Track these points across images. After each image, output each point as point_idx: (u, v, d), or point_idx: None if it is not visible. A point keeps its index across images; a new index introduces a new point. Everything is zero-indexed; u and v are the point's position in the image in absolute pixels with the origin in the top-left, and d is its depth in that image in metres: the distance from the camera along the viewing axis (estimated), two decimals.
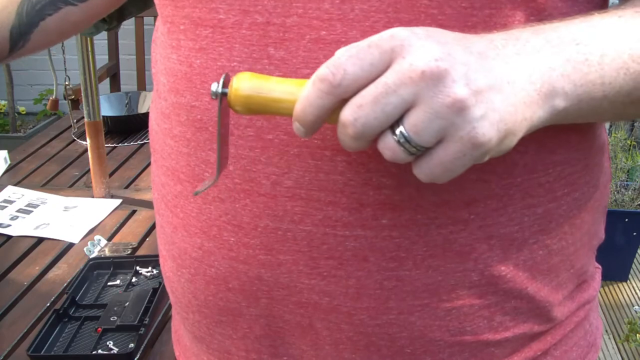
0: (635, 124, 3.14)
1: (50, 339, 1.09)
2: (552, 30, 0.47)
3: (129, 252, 1.36)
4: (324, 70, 0.43)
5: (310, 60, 0.50)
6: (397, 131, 0.42)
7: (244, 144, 0.53)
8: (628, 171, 2.78)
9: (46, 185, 1.70)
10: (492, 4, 0.49)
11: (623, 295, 2.64)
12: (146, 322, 1.10)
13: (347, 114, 0.43)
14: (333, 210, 0.52)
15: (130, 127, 2.03)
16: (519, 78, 0.44)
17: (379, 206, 0.51)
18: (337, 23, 0.49)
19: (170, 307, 1.19)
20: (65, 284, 1.25)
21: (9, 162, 1.81)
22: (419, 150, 0.43)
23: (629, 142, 2.89)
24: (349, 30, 0.49)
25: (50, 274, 1.30)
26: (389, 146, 0.43)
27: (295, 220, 0.53)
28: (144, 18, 3.19)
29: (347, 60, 0.42)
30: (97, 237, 1.38)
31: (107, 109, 2.06)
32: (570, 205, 0.57)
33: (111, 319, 1.13)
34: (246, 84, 0.46)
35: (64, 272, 1.30)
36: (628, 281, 2.72)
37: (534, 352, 0.61)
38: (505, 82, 0.43)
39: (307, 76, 0.48)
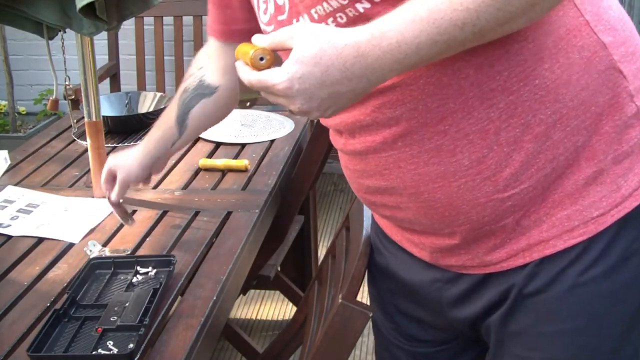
0: None
1: (51, 339, 1.09)
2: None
3: (128, 252, 1.36)
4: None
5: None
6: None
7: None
8: None
9: (46, 185, 1.70)
10: None
11: None
12: (146, 322, 1.10)
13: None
14: (374, 145, 0.88)
15: (130, 127, 2.02)
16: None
17: (392, 136, 0.86)
18: None
19: (170, 307, 1.19)
20: (66, 284, 1.25)
21: (9, 162, 1.81)
22: None
23: None
24: None
25: (50, 274, 1.30)
26: None
27: (363, 155, 0.91)
28: (144, 18, 3.19)
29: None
30: (91, 241, 1.38)
31: (107, 109, 2.06)
32: (535, 89, 0.80)
33: (111, 319, 1.13)
34: None
35: (64, 272, 1.30)
36: None
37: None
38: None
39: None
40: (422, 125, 0.83)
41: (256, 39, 0.78)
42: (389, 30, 0.73)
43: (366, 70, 0.74)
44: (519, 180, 0.83)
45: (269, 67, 0.76)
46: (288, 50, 0.75)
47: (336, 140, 0.97)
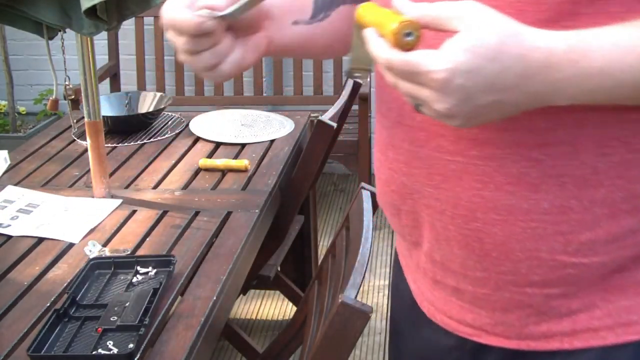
0: None
1: (51, 339, 1.09)
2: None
3: (128, 252, 1.36)
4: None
5: None
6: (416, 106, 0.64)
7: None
8: None
9: (46, 185, 1.70)
10: None
11: None
12: (146, 322, 1.10)
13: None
14: (442, 141, 0.70)
15: (130, 127, 2.03)
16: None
17: (470, 141, 0.68)
18: None
19: (170, 307, 1.19)
20: (66, 284, 1.25)
21: (9, 162, 1.81)
22: None
23: None
24: None
25: (50, 274, 1.30)
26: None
27: (421, 145, 0.72)
28: (144, 18, 3.19)
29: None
30: (91, 241, 1.38)
31: (107, 109, 2.06)
32: None
33: (111, 319, 1.13)
34: None
35: (64, 272, 1.30)
36: None
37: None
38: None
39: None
40: (515, 142, 0.67)
41: (402, 4, 0.60)
42: (594, 52, 0.58)
43: (547, 86, 0.59)
44: (594, 251, 0.68)
45: (413, 48, 0.58)
46: (447, 33, 0.58)
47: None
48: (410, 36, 0.58)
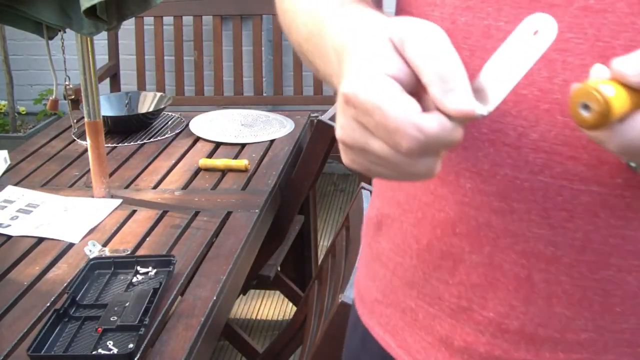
0: None
1: (51, 339, 1.09)
2: None
3: (128, 252, 1.36)
4: None
5: (575, 25, 0.53)
6: (635, 165, 0.50)
7: None
8: None
9: (46, 185, 1.70)
10: None
11: None
12: (146, 322, 1.10)
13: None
14: (573, 164, 0.54)
15: (130, 127, 2.03)
16: None
17: (617, 165, 0.54)
18: None
19: (170, 307, 1.19)
20: (66, 284, 1.25)
21: (9, 162, 1.81)
22: None
23: None
24: (616, 1, 0.52)
25: (50, 274, 1.30)
26: None
27: (534, 171, 0.56)
28: (144, 18, 3.19)
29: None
30: (91, 241, 1.38)
31: (107, 109, 2.06)
32: None
33: (111, 319, 1.13)
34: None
35: (64, 272, 1.30)
36: None
37: None
38: None
39: (568, 40, 0.53)
40: None
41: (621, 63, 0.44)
42: None
43: None
44: None
45: (596, 127, 0.44)
46: None
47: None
48: (587, 111, 0.42)
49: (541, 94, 0.54)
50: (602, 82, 0.42)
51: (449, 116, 0.44)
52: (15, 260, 1.35)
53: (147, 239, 1.42)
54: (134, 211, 1.54)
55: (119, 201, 1.57)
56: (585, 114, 0.43)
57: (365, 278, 0.75)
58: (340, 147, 0.49)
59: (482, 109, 0.45)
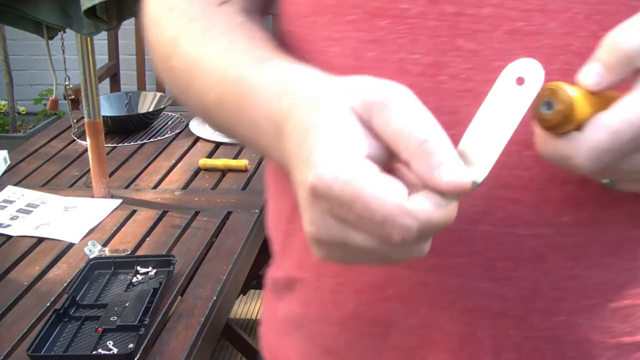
0: None
1: (51, 339, 1.09)
2: None
3: (128, 252, 1.36)
4: None
5: (504, 52, 0.47)
6: (609, 182, 0.45)
7: None
8: None
9: (46, 185, 1.70)
10: None
11: None
12: (146, 322, 1.10)
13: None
14: (515, 208, 0.49)
15: (130, 127, 2.02)
16: None
17: (562, 203, 0.49)
18: (535, 14, 0.47)
19: (170, 307, 1.19)
20: (66, 284, 1.25)
21: (9, 162, 1.81)
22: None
23: None
24: (548, 21, 0.47)
25: (50, 274, 1.30)
26: None
27: (472, 220, 0.50)
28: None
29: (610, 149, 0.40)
30: (91, 241, 1.38)
31: (107, 109, 2.06)
32: None
33: (111, 319, 1.12)
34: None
35: (64, 272, 1.30)
36: None
37: None
38: None
39: (498, 69, 0.43)
40: (622, 197, 0.50)
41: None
42: None
43: None
44: None
45: (558, 129, 0.42)
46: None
47: None
48: (550, 109, 0.41)
49: None
50: (566, 84, 0.41)
51: (442, 193, 0.38)
52: (15, 260, 1.35)
53: (147, 239, 1.42)
54: (134, 211, 1.54)
55: (119, 201, 1.57)
56: (547, 112, 0.41)
57: (276, 337, 0.68)
58: (311, 243, 0.42)
59: (477, 176, 0.40)
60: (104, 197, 1.59)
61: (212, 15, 0.56)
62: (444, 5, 0.48)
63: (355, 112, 0.40)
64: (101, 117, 1.57)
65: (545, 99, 0.41)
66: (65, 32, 1.56)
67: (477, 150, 0.41)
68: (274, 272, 0.66)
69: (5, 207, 1.56)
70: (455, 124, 0.45)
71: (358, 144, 0.39)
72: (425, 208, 0.38)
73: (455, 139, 0.45)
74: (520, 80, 0.40)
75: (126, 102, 2.17)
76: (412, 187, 0.39)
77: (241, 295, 2.21)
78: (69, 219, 1.50)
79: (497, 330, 0.53)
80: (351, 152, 0.39)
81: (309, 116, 0.41)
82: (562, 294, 0.51)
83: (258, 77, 0.48)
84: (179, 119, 2.12)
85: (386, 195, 0.38)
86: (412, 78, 0.49)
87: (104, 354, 1.06)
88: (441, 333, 0.53)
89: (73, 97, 1.75)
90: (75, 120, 2.01)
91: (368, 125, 0.40)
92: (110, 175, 1.69)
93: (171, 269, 1.25)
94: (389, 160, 0.40)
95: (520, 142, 0.47)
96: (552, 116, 0.40)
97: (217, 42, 0.54)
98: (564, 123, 0.40)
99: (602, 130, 0.40)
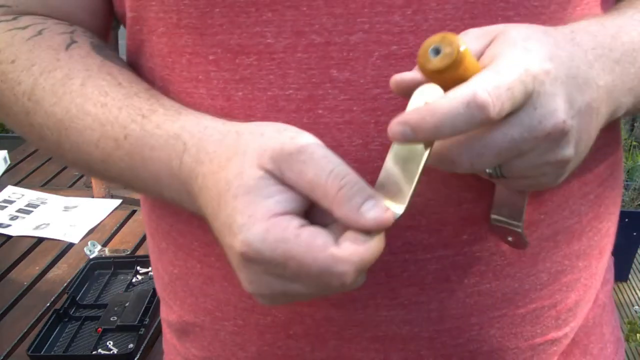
0: (635, 123, 3.15)
1: (51, 339, 1.09)
2: (624, 33, 0.47)
3: (128, 252, 1.36)
4: (485, 96, 0.37)
5: (381, 79, 0.45)
6: (495, 169, 0.42)
7: None
8: (628, 171, 2.79)
9: (46, 185, 1.70)
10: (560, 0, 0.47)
11: (623, 295, 2.64)
12: (146, 322, 1.10)
13: (466, 157, 0.40)
14: (412, 234, 0.48)
15: None
16: (603, 105, 0.44)
17: (460, 222, 0.49)
18: (409, 36, 0.45)
19: None
20: (66, 284, 1.25)
21: (9, 162, 1.81)
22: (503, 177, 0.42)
23: (629, 141, 2.89)
24: (423, 42, 0.42)
25: (50, 274, 1.30)
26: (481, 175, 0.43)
27: None
28: None
29: (505, 93, 0.37)
30: (91, 241, 1.38)
31: None
32: (611, 185, 0.57)
33: (111, 319, 1.12)
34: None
35: (64, 272, 1.30)
36: (628, 281, 2.72)
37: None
38: (595, 113, 0.43)
39: (377, 96, 0.44)
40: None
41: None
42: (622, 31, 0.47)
43: (611, 75, 0.45)
44: (575, 313, 0.59)
45: (446, 76, 0.39)
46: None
47: None
48: (437, 54, 0.39)
49: (359, 165, 0.45)
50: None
51: (367, 231, 0.39)
52: (15, 260, 1.35)
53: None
54: (134, 211, 1.54)
55: (119, 201, 1.57)
56: (434, 57, 0.38)
57: None
58: (254, 296, 0.43)
59: (397, 208, 0.40)
60: (104, 197, 1.59)
61: (65, 62, 0.51)
62: (311, 35, 0.45)
63: (265, 169, 0.40)
64: None
65: (434, 45, 0.38)
66: None
67: (395, 183, 0.41)
68: (167, 314, 0.62)
69: (5, 207, 1.56)
70: (340, 157, 0.43)
71: (276, 202, 0.39)
72: (355, 251, 0.39)
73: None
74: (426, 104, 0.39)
75: None
76: (333, 228, 0.40)
77: None
78: (69, 219, 1.50)
79: (409, 353, 0.52)
80: (271, 213, 0.39)
81: (218, 179, 0.41)
82: (471, 310, 0.51)
83: (147, 134, 0.46)
84: None
85: (316, 249, 0.38)
86: (287, 115, 0.46)
87: (104, 354, 1.06)
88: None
89: None
90: None
91: (281, 180, 0.40)
92: None
93: None
94: (308, 206, 0.40)
95: None
96: (439, 60, 0.38)
97: (84, 97, 0.49)
98: (449, 68, 0.38)
99: (491, 74, 0.39)
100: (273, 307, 0.52)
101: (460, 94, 0.37)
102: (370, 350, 0.52)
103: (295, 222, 0.39)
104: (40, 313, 1.18)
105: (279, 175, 0.40)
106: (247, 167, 0.40)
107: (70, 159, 0.52)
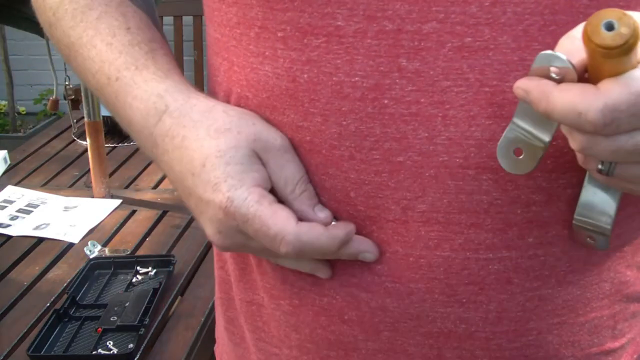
0: None
1: (50, 339, 1.09)
2: None
3: (128, 252, 1.36)
4: (598, 117, 0.36)
5: (451, 71, 0.44)
6: (609, 165, 0.41)
7: (367, 168, 0.47)
8: None
9: (46, 185, 1.70)
10: None
11: None
12: (146, 322, 1.10)
13: (604, 155, 0.40)
14: (475, 232, 0.48)
15: None
16: None
17: (526, 224, 0.48)
18: (485, 28, 0.43)
19: (170, 307, 1.19)
20: (66, 284, 1.25)
21: (9, 162, 1.81)
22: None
23: None
24: (498, 35, 0.43)
25: (50, 274, 1.30)
26: (588, 167, 0.43)
27: (430, 246, 0.48)
28: None
29: (627, 110, 0.36)
30: (91, 241, 1.38)
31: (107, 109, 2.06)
32: None
33: (111, 319, 1.12)
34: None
35: (64, 272, 1.30)
36: None
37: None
38: None
39: (446, 89, 0.44)
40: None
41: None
42: None
43: None
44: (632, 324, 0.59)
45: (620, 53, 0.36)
46: None
47: None
48: (610, 29, 0.35)
49: (422, 159, 0.46)
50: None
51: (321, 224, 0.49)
52: (15, 260, 1.35)
53: (147, 239, 1.42)
54: (134, 211, 1.54)
55: (119, 201, 1.57)
56: (606, 32, 0.35)
57: (230, 355, 0.66)
58: (216, 246, 0.52)
59: (546, 136, 0.42)
60: (104, 197, 1.59)
61: None
62: (383, 21, 0.44)
63: (255, 152, 0.48)
64: (101, 117, 1.57)
65: (610, 19, 0.35)
66: None
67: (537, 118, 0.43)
68: (220, 292, 0.66)
69: (5, 207, 1.56)
70: (401, 150, 0.46)
71: (260, 176, 0.48)
72: (308, 231, 0.47)
73: (403, 166, 0.47)
74: None
75: None
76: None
77: None
78: (69, 219, 1.50)
79: (464, 352, 0.52)
80: (255, 182, 0.48)
81: (205, 145, 0.48)
82: (530, 315, 0.50)
83: (135, 84, 0.53)
84: None
85: (279, 217, 0.47)
86: (352, 103, 0.46)
87: (104, 354, 1.06)
88: (405, 356, 0.52)
89: (73, 97, 1.75)
90: (75, 120, 2.01)
91: (264, 163, 0.49)
92: (110, 175, 1.69)
93: (171, 269, 1.25)
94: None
95: (477, 165, 0.46)
96: (612, 38, 0.35)
97: (96, 30, 0.55)
98: (619, 51, 0.35)
99: (623, 89, 0.37)
100: (330, 289, 0.53)
101: (572, 98, 0.38)
102: (423, 346, 0.52)
103: (270, 196, 0.48)
104: (40, 313, 1.18)
105: (264, 160, 0.49)
106: (242, 145, 0.48)
107: (76, 72, 0.62)
